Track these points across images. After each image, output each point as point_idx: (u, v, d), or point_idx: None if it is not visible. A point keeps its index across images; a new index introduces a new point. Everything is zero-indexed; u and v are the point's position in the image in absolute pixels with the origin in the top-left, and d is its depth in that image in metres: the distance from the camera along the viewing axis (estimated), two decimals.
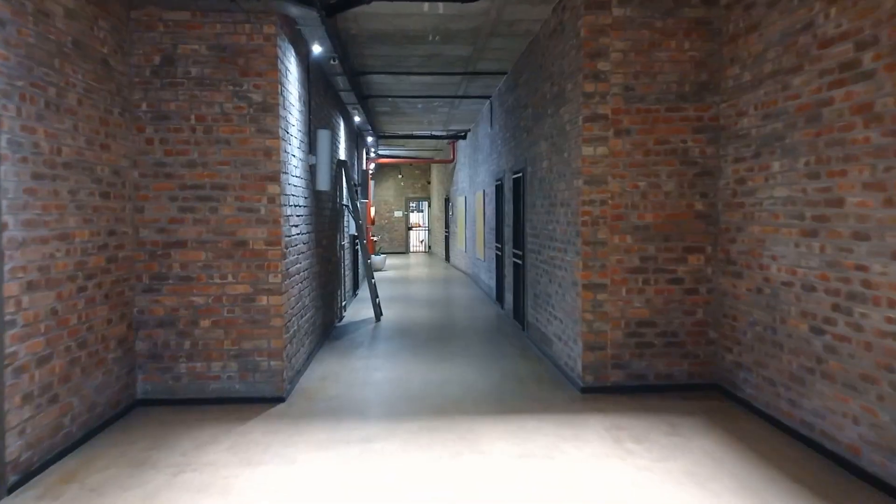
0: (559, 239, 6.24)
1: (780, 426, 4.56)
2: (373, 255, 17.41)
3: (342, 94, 9.35)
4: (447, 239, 20.76)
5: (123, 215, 5.02)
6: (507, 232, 9.59)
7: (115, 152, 4.88)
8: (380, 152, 19.30)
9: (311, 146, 6.85)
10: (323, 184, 6.88)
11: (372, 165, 19.86)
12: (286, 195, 5.52)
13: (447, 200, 20.49)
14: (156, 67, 5.18)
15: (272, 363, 5.30)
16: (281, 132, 5.33)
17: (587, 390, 5.48)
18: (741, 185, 5.12)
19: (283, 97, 5.46)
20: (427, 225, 26.94)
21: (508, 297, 9.63)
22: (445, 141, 18.00)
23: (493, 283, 11.43)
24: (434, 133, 16.14)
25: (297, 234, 6.05)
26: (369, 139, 13.99)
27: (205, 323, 5.26)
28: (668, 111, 5.46)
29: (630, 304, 5.50)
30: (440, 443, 4.36)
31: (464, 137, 15.94)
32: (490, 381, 5.92)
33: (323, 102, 8.00)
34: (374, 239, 17.96)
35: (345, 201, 9.84)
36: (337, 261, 9.25)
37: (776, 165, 4.64)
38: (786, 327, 4.51)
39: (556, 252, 6.35)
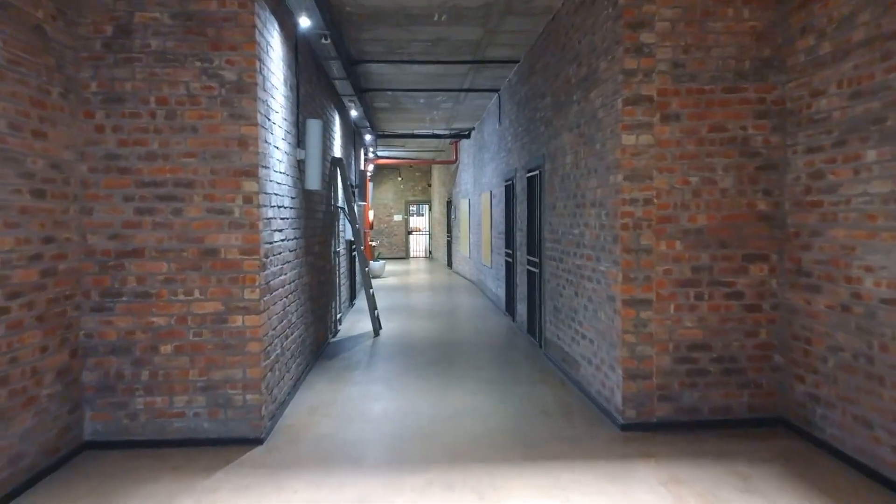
0: (589, 245, 5.33)
1: (880, 479, 3.64)
2: (371, 262, 16.49)
3: (337, 83, 8.45)
4: (449, 244, 19.85)
5: (65, 219, 4.10)
6: (520, 237, 8.68)
7: (53, 141, 3.96)
8: (379, 153, 18.41)
9: (299, 139, 5.95)
10: (313, 182, 5.97)
11: (370, 167, 18.97)
12: (266, 194, 4.60)
13: (449, 203, 19.58)
14: (108, 39, 4.27)
15: (248, 397, 4.38)
16: (260, 118, 4.42)
17: (629, 427, 4.56)
18: (817, 180, 4.21)
19: (263, 77, 4.55)
20: (428, 229, 26.03)
21: (521, 308, 8.71)
22: (448, 141, 17.11)
23: (501, 293, 10.52)
24: (436, 132, 15.24)
25: (282, 240, 5.13)
26: (367, 137, 13.10)
27: (166, 349, 4.33)
28: (724, 92, 4.55)
29: (679, 323, 4.58)
30: None
31: (467, 136, 15.05)
32: (510, 414, 5.00)
33: (315, 92, 7.09)
34: (373, 244, 17.04)
35: (340, 203, 8.93)
36: (331, 269, 8.33)
37: (871, 155, 3.73)
38: (887, 356, 3.60)
39: (585, 260, 5.44)
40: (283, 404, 5.13)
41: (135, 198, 4.30)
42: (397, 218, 24.88)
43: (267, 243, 4.59)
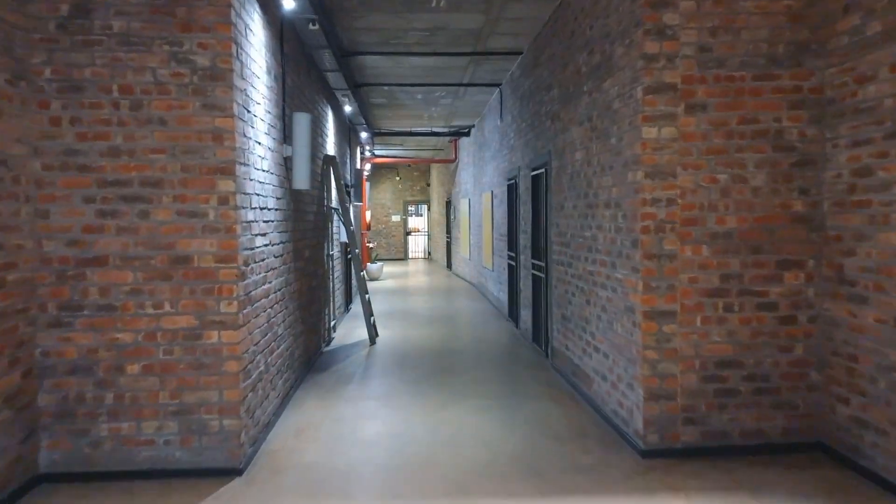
0: (602, 250, 4.86)
1: None
2: (369, 264, 16.02)
3: (329, 76, 7.97)
4: (448, 245, 19.38)
5: (16, 222, 3.63)
6: (524, 239, 8.21)
7: (1, 134, 3.48)
8: (376, 152, 17.94)
9: (285, 134, 5.47)
10: (302, 181, 5.49)
11: (367, 166, 18.50)
12: (246, 194, 4.12)
13: (448, 203, 19.12)
14: (64, 20, 3.79)
15: (225, 422, 3.90)
16: (237, 108, 3.94)
17: (651, 454, 4.09)
18: (864, 177, 3.74)
19: (241, 62, 4.08)
20: (427, 230, 25.56)
21: (525, 314, 8.24)
22: (447, 139, 16.64)
23: (504, 297, 10.05)
24: (434, 130, 14.77)
25: (265, 245, 4.65)
26: (363, 135, 12.62)
27: (133, 368, 3.86)
28: (756, 80, 4.08)
29: (706, 337, 4.11)
30: None
31: (467, 134, 14.58)
32: (517, 438, 4.53)
33: (304, 84, 6.61)
34: (370, 245, 16.58)
35: (334, 204, 8.45)
36: (324, 274, 7.86)
37: None
38: None
39: (598, 266, 4.97)
40: (268, 426, 4.66)
41: (96, 199, 3.82)
42: (395, 219, 24.41)
43: (247, 249, 4.11)
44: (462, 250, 16.01)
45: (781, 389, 4.14)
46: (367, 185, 16.13)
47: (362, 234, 15.25)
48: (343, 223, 8.00)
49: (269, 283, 4.79)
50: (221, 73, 3.85)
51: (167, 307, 3.85)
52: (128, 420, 3.85)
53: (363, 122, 11.13)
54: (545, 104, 6.83)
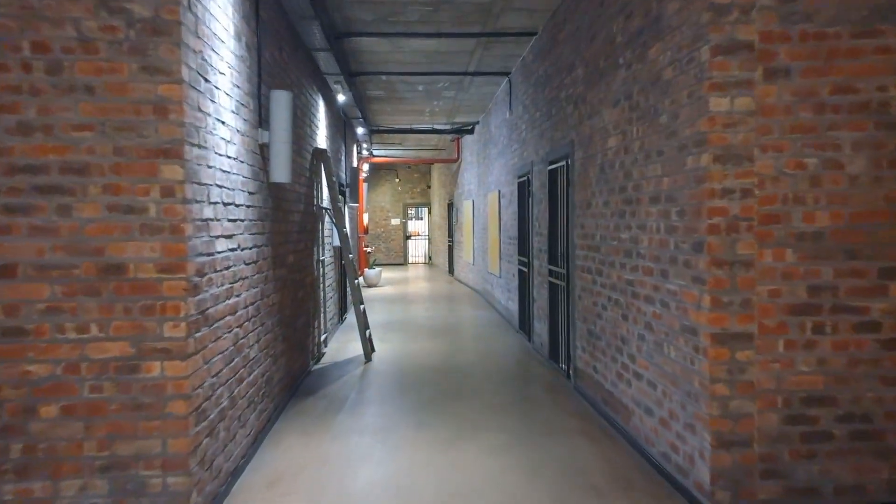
0: (648, 255, 3.96)
1: None
2: (367, 269, 15.12)
3: (321, 57, 7.08)
4: (451, 249, 18.49)
5: None
6: (538, 242, 7.32)
7: None
8: (374, 152, 17.06)
9: (262, 116, 4.58)
10: (281, 173, 4.60)
11: (365, 166, 17.63)
12: (201, 185, 3.23)
13: (450, 205, 18.23)
14: None
15: (171, 479, 3.00)
16: (187, 73, 3.05)
17: None
18: None
19: (196, 16, 3.19)
20: (427, 234, 24.68)
21: (539, 327, 7.34)
22: (449, 138, 15.78)
23: (514, 306, 9.15)
24: (436, 127, 13.90)
25: (231, 249, 3.76)
26: (360, 131, 11.75)
27: (49, 410, 2.96)
28: (854, 37, 3.19)
29: (791, 366, 3.22)
30: None
31: (471, 132, 13.71)
32: (545, 489, 3.62)
33: (289, 63, 5.73)
34: (368, 250, 15.69)
35: (325, 203, 7.56)
36: (313, 282, 6.96)
37: None
38: None
39: (641, 275, 4.07)
40: (235, 473, 3.75)
41: (1, 190, 2.93)
42: (395, 222, 23.53)
43: (202, 255, 3.22)
44: (465, 255, 15.12)
45: (886, 433, 3.25)
46: (364, 186, 15.25)
47: (359, 237, 14.37)
48: (335, 225, 7.12)
49: (238, 296, 3.89)
50: (167, 27, 2.96)
51: (94, 331, 2.96)
52: (41, 479, 2.95)
53: (359, 115, 10.26)
54: (565, 87, 5.95)
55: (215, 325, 3.43)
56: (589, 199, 5.24)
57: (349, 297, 11.31)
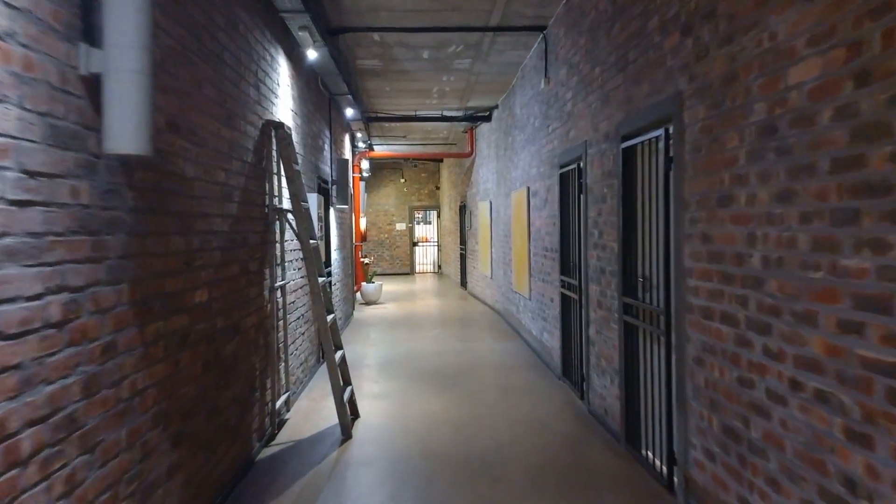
0: None
1: None
2: (364, 284, 12.78)
3: None
4: (463, 258, 16.11)
5: None
6: (599, 258, 4.96)
7: None
8: (374, 145, 14.73)
9: (86, 22, 2.24)
10: (132, 134, 2.24)
11: (365, 164, 15.31)
12: None
13: (462, 208, 15.86)
14: None
15: None
16: None
17: None
18: None
19: None
20: (436, 240, 22.33)
21: (602, 384, 4.97)
22: (461, 129, 13.45)
23: (551, 341, 6.78)
24: (446, 113, 11.57)
25: None
26: (349, 113, 9.37)
27: None
28: None
29: None
30: None
31: (487, 118, 11.37)
32: None
33: None
34: (366, 261, 13.35)
35: (284, 204, 5.21)
36: (261, 324, 4.62)
37: None
38: None
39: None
40: None
41: None
42: (400, 227, 21.19)
43: None
44: (481, 266, 12.76)
45: None
46: (361, 187, 12.95)
47: (355, 246, 12.05)
48: (297, 233, 4.79)
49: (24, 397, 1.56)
50: None
51: None
52: None
53: (347, 91, 7.93)
54: (661, 9, 3.60)
55: None
56: (725, 191, 2.88)
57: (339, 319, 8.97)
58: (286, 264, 5.33)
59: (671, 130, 3.52)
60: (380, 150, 15.81)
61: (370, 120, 11.23)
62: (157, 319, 2.75)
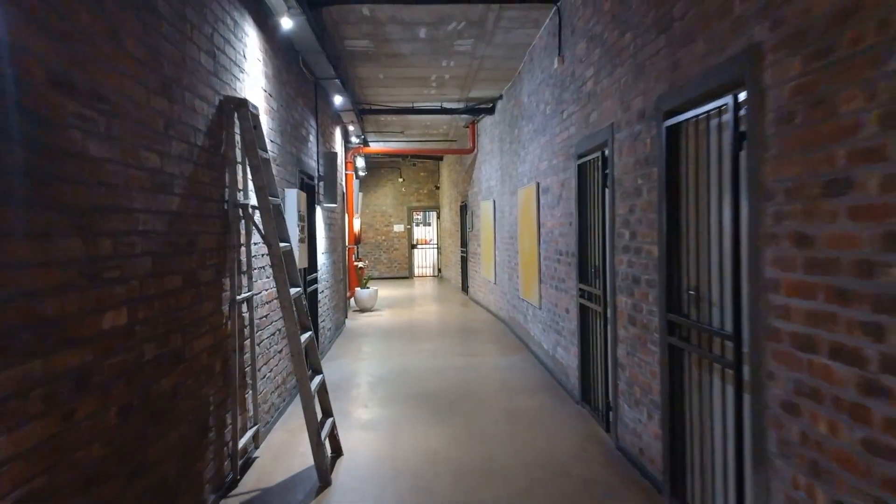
0: None
1: None
2: (358, 290, 11.92)
3: None
4: (464, 261, 15.25)
5: None
6: (630, 263, 4.10)
7: None
8: (369, 141, 13.87)
9: None
10: None
11: (361, 162, 14.49)
12: None
13: (463, 208, 15.01)
14: None
15: None
16: None
17: None
18: None
19: None
20: (436, 242, 21.48)
21: (636, 418, 4.11)
22: (462, 123, 12.61)
23: (566, 357, 5.93)
24: (446, 105, 10.73)
25: None
26: (338, 101, 8.47)
27: None
28: None
29: None
30: None
31: (491, 111, 10.53)
32: None
33: None
34: (360, 265, 12.49)
35: (249, 199, 4.33)
36: (218, 348, 3.77)
37: None
38: None
39: None
40: None
41: None
42: (398, 228, 20.34)
43: None
44: (483, 270, 11.91)
45: None
46: (354, 184, 12.09)
47: (348, 249, 11.20)
48: (262, 236, 3.94)
49: None
50: None
51: None
52: None
53: (334, 75, 7.06)
54: None
55: None
56: (838, 173, 2.04)
57: (324, 332, 8.11)
58: (255, 272, 4.47)
59: (742, 98, 2.67)
60: (376, 147, 14.96)
61: (363, 112, 10.38)
62: (24, 359, 1.89)
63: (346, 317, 10.88)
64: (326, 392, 4.37)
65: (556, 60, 5.96)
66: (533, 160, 7.39)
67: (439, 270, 20.93)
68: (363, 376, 6.77)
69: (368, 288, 12.10)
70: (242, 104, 3.94)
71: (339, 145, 10.02)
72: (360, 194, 14.58)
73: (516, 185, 8.52)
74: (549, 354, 6.74)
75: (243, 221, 4.17)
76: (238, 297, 3.98)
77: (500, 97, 9.90)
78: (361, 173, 16.44)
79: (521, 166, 8.13)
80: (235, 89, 4.15)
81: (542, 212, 6.88)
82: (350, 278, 11.71)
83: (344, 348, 8.40)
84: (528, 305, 7.95)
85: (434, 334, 9.44)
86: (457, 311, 12.04)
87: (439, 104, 10.64)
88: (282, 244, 4.10)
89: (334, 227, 9.23)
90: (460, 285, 16.00)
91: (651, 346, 3.77)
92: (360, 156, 12.85)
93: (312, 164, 7.23)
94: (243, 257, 4.19)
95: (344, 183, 10.85)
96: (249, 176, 4.16)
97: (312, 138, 7.30)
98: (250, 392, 4.32)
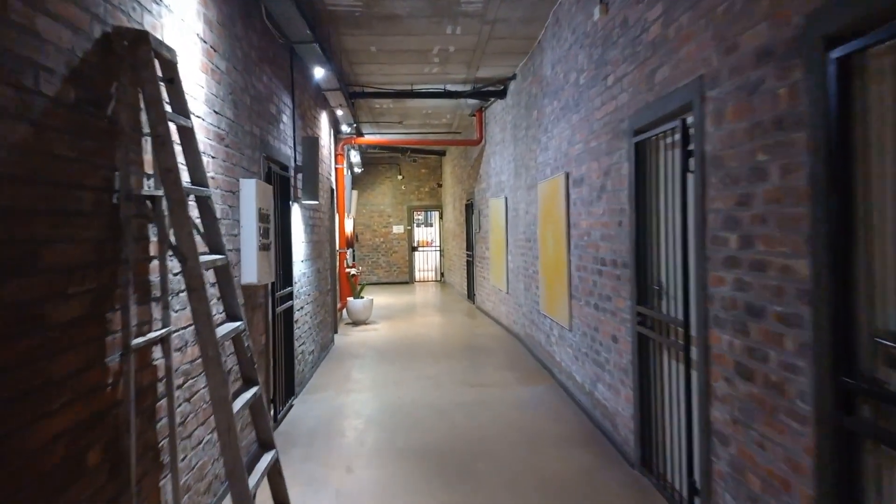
0: None
1: None
2: (350, 301, 10.50)
3: None
4: (469, 265, 13.80)
5: None
6: (733, 285, 2.69)
7: None
8: (363, 132, 12.46)
9: None
10: None
11: (356, 157, 13.09)
12: None
13: (469, 206, 13.58)
14: None
15: None
16: None
17: None
18: None
19: None
20: (438, 244, 20.06)
21: None
22: (468, 111, 11.21)
23: (616, 404, 4.51)
24: (450, 88, 9.32)
25: None
26: (318, 73, 6.94)
27: None
28: None
29: None
30: None
31: (502, 94, 9.11)
32: None
33: None
34: (352, 272, 11.06)
35: (152, 189, 2.90)
36: (85, 429, 2.35)
37: None
38: None
39: None
40: None
41: None
42: (397, 229, 18.93)
43: None
44: (493, 277, 10.48)
45: None
46: (347, 178, 10.68)
47: (339, 254, 9.79)
48: (171, 246, 2.55)
49: None
50: None
51: None
52: None
53: (312, 39, 5.63)
54: None
55: None
56: None
57: (303, 358, 6.70)
58: (177, 297, 3.06)
59: None
60: (371, 138, 13.54)
61: (354, 95, 8.97)
62: None
63: (337, 332, 9.47)
64: (281, 476, 2.96)
65: (597, 10, 4.55)
66: (559, 145, 5.98)
67: (442, 275, 19.51)
68: (349, 418, 5.36)
69: (363, 297, 10.68)
70: (141, 39, 2.52)
71: (326, 133, 8.61)
72: (355, 192, 13.16)
73: (535, 178, 7.11)
74: (585, 390, 5.32)
75: (153, 224, 2.76)
76: (137, 341, 2.57)
77: (514, 77, 8.49)
78: (357, 169, 15.02)
79: (543, 155, 6.72)
80: (142, 23, 2.75)
81: (574, 209, 5.48)
82: (341, 288, 10.30)
83: (329, 375, 6.99)
84: (552, 324, 6.53)
85: (438, 354, 8.03)
86: (463, 324, 10.62)
87: (442, 86, 9.24)
88: (212, 256, 2.69)
89: (319, 230, 7.82)
90: (465, 292, 14.57)
91: (786, 417, 2.36)
92: (353, 148, 11.45)
93: (287, 150, 5.83)
94: (154, 276, 2.78)
95: (333, 178, 9.45)
96: (154, 158, 2.74)
97: (287, 119, 5.89)
98: (168, 477, 2.90)
